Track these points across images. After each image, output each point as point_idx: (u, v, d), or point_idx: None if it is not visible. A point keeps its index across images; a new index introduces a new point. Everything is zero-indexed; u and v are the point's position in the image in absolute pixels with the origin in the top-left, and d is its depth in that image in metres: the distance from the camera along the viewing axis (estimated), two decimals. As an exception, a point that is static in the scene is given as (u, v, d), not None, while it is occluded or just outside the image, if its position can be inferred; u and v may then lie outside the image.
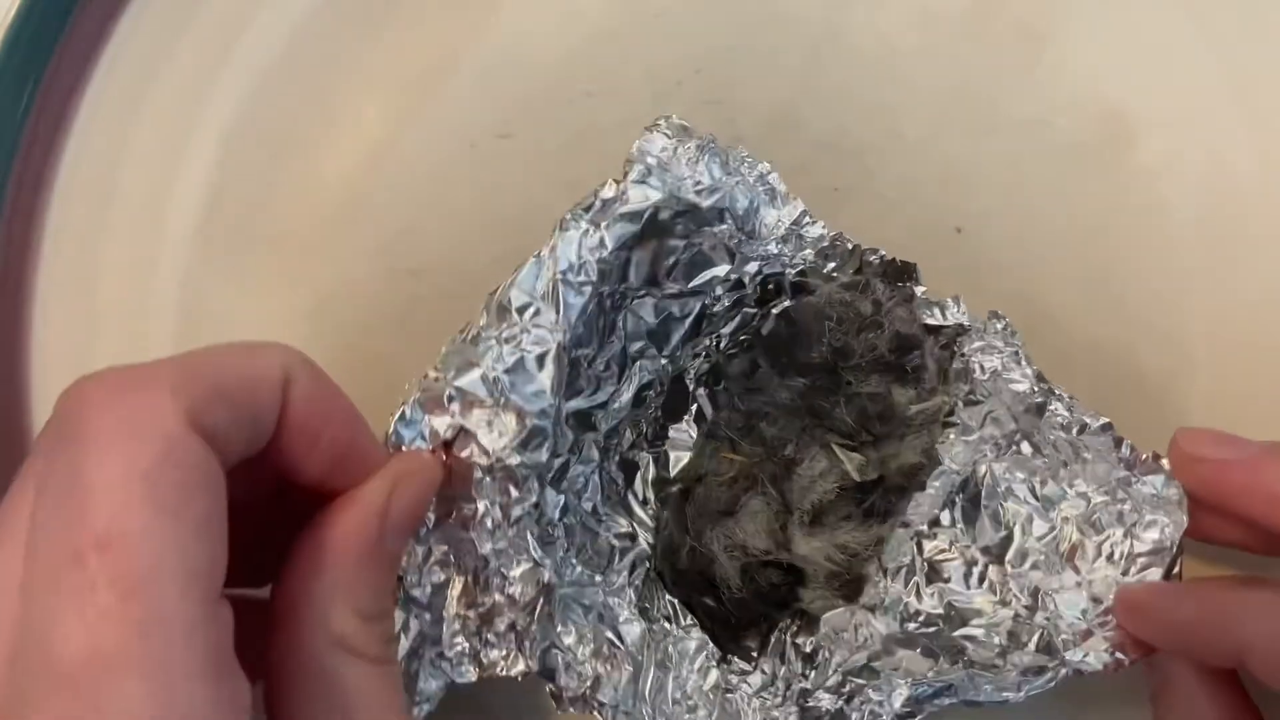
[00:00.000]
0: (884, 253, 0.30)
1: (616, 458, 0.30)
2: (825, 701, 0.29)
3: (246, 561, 0.21)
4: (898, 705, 0.28)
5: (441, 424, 0.26)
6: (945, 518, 0.29)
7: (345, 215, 0.33)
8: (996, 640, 0.28)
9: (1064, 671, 0.27)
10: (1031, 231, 0.32)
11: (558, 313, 0.26)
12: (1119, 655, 0.27)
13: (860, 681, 0.28)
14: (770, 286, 0.30)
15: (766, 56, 0.33)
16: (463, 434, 0.26)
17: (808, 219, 0.29)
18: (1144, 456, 0.28)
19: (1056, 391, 0.29)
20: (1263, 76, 0.32)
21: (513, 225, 0.31)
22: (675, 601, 0.30)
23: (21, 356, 0.33)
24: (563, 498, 0.29)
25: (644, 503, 0.30)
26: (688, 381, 0.31)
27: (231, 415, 0.21)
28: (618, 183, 0.27)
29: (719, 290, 0.29)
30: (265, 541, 0.23)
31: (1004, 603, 0.28)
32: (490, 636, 0.27)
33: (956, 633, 0.28)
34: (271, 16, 0.34)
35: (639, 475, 0.30)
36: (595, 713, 0.27)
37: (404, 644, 0.26)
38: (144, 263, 0.33)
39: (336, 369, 0.29)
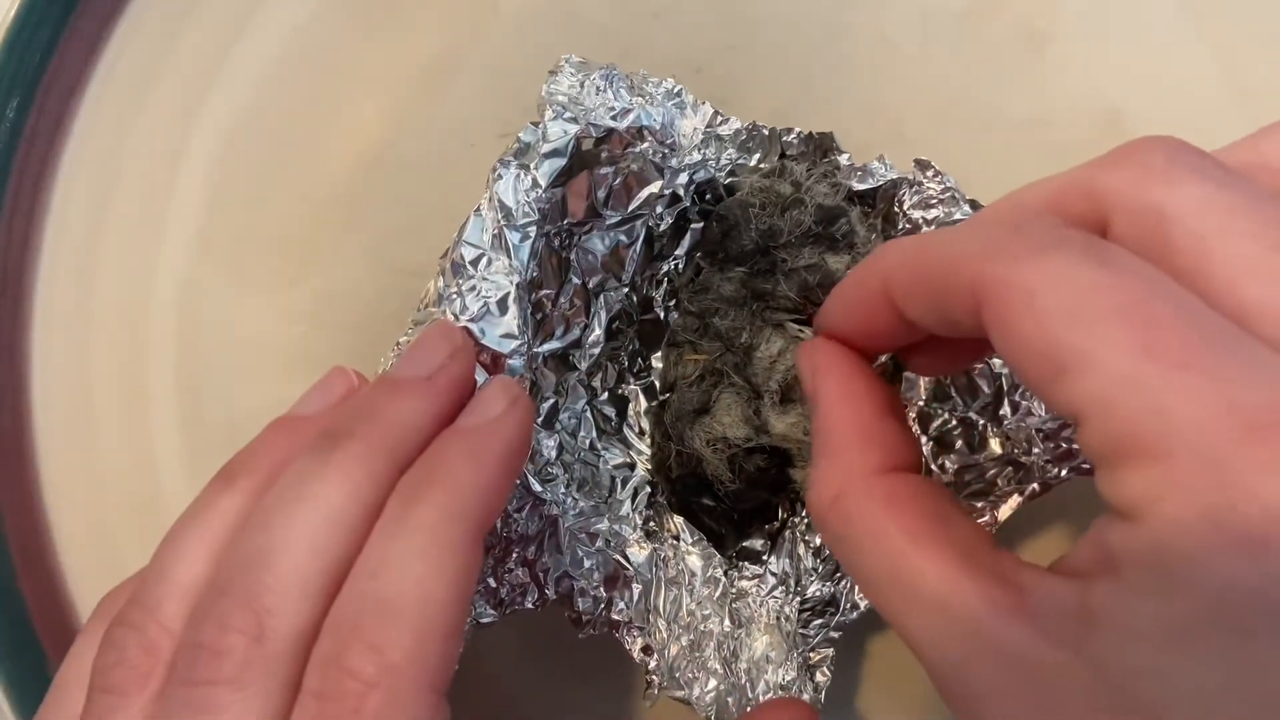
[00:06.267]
0: (799, 130, 0.30)
1: (605, 394, 0.31)
2: (815, 588, 0.30)
3: None
4: None
5: None
6: (939, 392, 0.30)
7: (345, 215, 0.33)
8: (997, 482, 0.29)
9: (1032, 487, 0.28)
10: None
11: (509, 256, 0.27)
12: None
13: None
14: (708, 197, 0.31)
15: (766, 56, 0.33)
16: None
17: (720, 118, 0.30)
18: None
19: None
20: (1260, 76, 0.32)
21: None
22: (681, 520, 0.31)
23: (21, 356, 0.33)
24: (557, 438, 0.30)
25: (640, 434, 0.31)
26: (657, 309, 0.31)
27: None
28: (536, 125, 0.28)
29: (659, 209, 0.30)
30: None
31: (1006, 455, 0.29)
32: (504, 575, 0.28)
33: (963, 495, 0.29)
34: (271, 16, 0.34)
35: (630, 408, 0.31)
36: (614, 633, 0.28)
37: None
38: (144, 263, 0.33)
39: (336, 369, 0.29)
